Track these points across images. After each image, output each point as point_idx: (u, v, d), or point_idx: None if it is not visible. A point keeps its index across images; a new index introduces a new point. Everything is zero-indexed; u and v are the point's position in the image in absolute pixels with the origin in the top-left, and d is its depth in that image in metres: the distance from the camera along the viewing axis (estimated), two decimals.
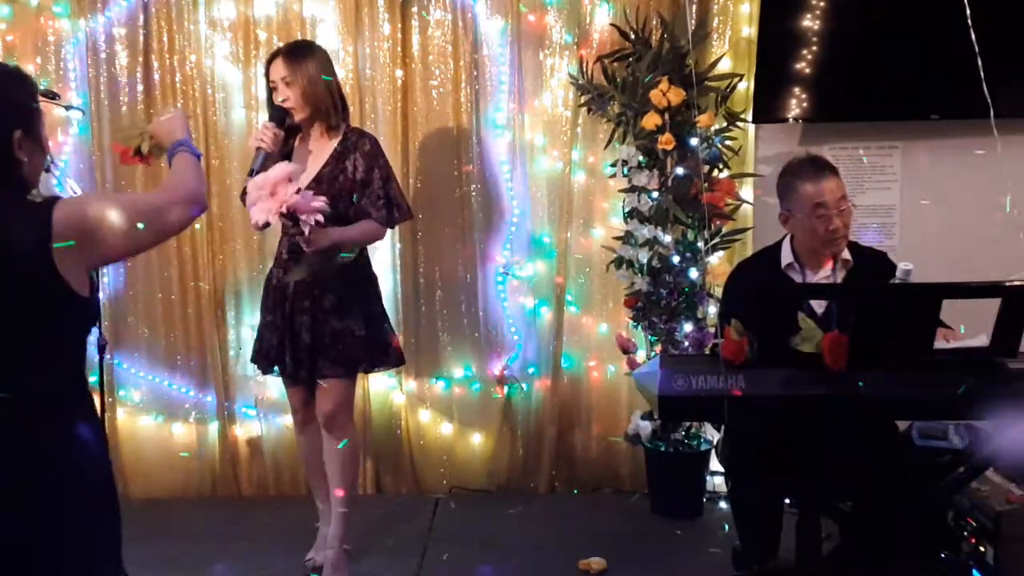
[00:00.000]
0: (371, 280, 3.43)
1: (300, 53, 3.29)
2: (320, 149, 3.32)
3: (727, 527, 3.64)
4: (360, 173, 3.27)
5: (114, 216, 1.87)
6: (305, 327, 3.26)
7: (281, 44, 3.75)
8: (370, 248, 3.45)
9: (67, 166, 4.10)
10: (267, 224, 3.03)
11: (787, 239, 3.10)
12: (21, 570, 1.82)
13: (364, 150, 3.30)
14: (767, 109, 4.03)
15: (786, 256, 3.06)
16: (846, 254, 3.03)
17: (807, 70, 3.98)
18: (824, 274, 3.02)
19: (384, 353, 3.40)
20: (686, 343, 3.97)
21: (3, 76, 1.93)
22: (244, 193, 3.20)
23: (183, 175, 2.09)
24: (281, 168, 2.99)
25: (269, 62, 3.32)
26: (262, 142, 3.18)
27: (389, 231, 3.50)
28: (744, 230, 4.12)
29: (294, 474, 4.24)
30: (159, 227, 1.95)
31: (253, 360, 3.48)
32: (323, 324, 3.26)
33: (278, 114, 3.25)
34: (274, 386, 4.02)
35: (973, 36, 3.01)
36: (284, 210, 2.95)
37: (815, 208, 2.94)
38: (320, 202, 3.01)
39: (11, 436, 1.81)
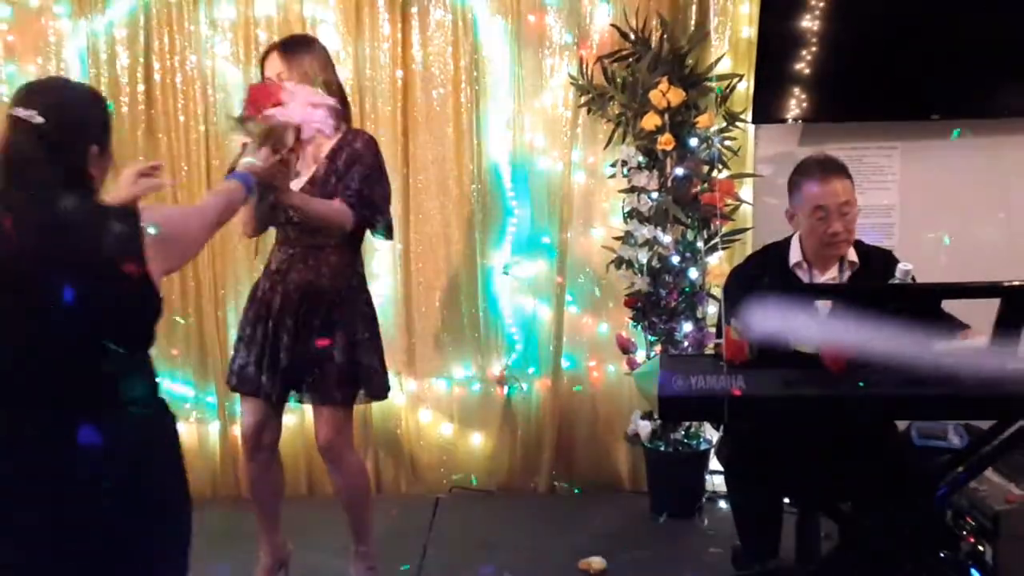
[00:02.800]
0: (361, 303, 3.16)
1: (297, 48, 3.10)
2: (317, 152, 3.11)
3: (727, 527, 3.64)
4: (341, 166, 3.05)
5: (186, 224, 2.10)
6: (285, 347, 3.04)
7: None
8: (370, 247, 3.34)
9: None
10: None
11: (795, 237, 3.09)
12: (101, 557, 1.94)
13: (354, 147, 3.08)
14: (767, 109, 4.03)
15: (795, 254, 3.06)
16: (852, 255, 3.02)
17: (807, 70, 3.98)
18: (831, 274, 3.02)
19: (365, 383, 3.11)
20: (686, 343, 3.98)
21: (80, 95, 2.07)
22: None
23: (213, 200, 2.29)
24: (315, 95, 2.84)
25: (264, 56, 3.12)
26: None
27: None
28: (744, 230, 4.12)
29: (294, 473, 4.23)
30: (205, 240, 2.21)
31: (228, 380, 3.22)
32: (303, 346, 3.03)
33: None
34: None
35: None
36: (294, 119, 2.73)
37: (815, 210, 2.94)
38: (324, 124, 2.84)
39: (120, 436, 1.94)
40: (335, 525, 3.40)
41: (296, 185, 3.07)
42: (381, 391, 3.20)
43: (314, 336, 3.03)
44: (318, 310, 3.05)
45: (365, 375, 3.11)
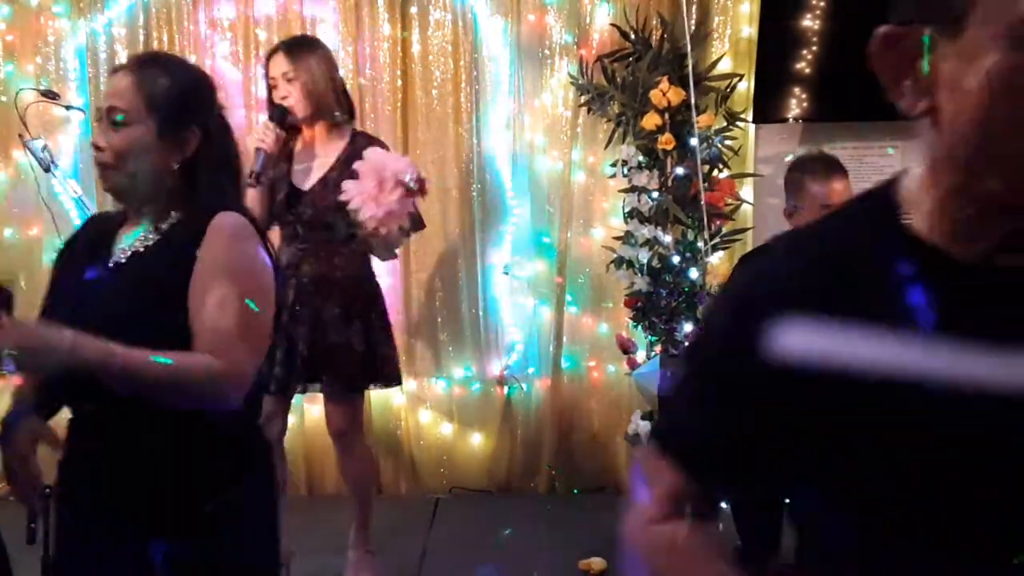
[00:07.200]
0: (374, 293, 3.27)
1: (302, 47, 3.16)
2: (325, 152, 3.17)
3: (727, 527, 3.63)
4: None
5: None
6: (304, 339, 3.09)
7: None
8: None
9: (67, 166, 4.10)
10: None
11: None
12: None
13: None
14: (767, 109, 4.03)
15: None
16: None
17: (807, 70, 3.98)
18: None
19: (381, 371, 3.23)
20: (686, 343, 3.97)
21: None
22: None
23: None
24: (401, 163, 3.01)
25: (269, 57, 3.17)
26: (263, 142, 3.02)
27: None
28: (744, 230, 4.12)
29: (294, 473, 4.23)
30: None
31: None
32: (323, 337, 3.10)
33: (279, 113, 3.09)
34: None
35: None
36: (381, 215, 2.96)
37: (822, 210, 2.94)
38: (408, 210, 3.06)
39: None
40: (335, 525, 3.39)
41: (306, 185, 3.14)
42: (396, 378, 3.34)
43: (332, 326, 3.11)
44: (334, 301, 3.12)
45: (381, 362, 3.21)
